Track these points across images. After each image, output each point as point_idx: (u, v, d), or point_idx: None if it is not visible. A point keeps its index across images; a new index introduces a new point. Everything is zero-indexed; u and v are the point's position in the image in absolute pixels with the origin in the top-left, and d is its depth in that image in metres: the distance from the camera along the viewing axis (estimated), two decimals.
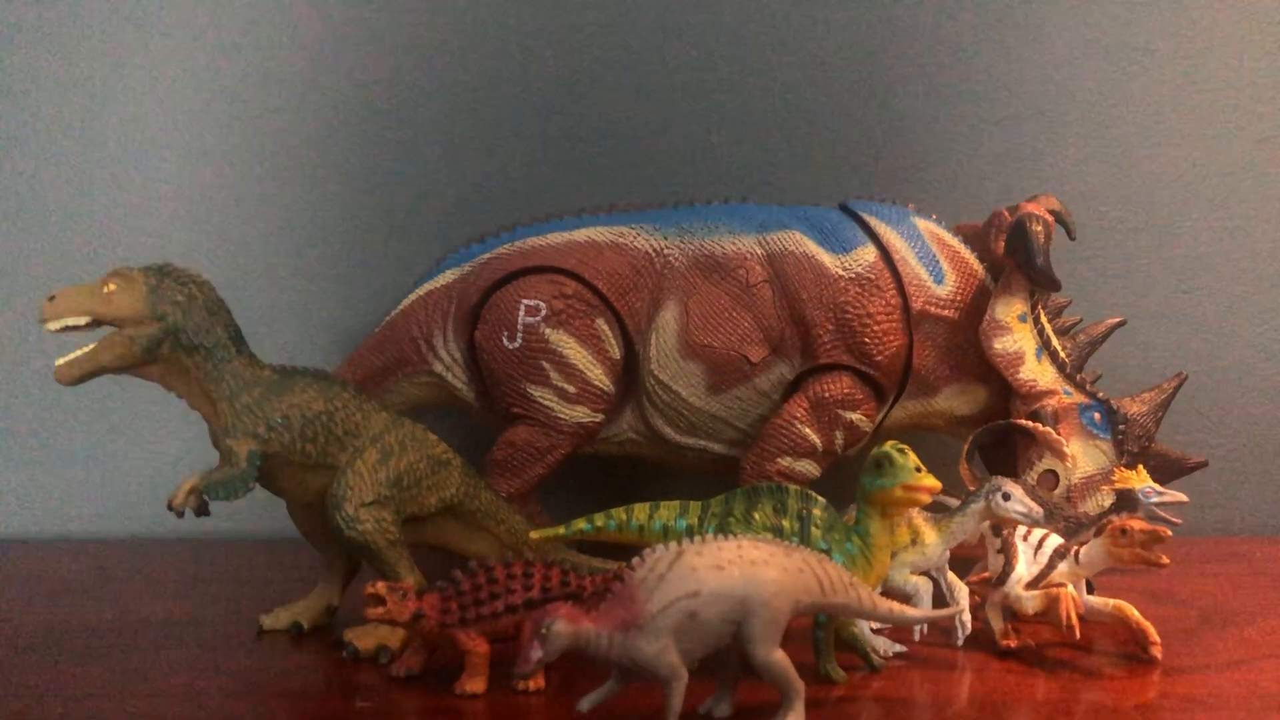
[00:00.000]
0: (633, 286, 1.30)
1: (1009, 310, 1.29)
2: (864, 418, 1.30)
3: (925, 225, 1.34)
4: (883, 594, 1.05)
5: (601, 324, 1.29)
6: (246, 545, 1.49)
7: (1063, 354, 1.32)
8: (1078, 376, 1.31)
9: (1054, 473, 1.30)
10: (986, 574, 1.15)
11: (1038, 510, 1.06)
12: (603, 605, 0.88)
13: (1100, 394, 1.31)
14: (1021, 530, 1.12)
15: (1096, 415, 1.30)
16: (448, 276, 1.34)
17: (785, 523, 1.02)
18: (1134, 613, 1.09)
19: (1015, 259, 1.28)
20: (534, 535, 1.10)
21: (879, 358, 1.29)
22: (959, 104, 1.57)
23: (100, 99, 1.54)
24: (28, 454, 1.56)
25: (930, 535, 1.11)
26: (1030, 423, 1.25)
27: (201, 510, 1.07)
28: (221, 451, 1.09)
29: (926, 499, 1.00)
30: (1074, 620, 1.05)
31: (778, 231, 1.31)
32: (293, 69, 1.55)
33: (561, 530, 1.08)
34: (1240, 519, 1.60)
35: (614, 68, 1.56)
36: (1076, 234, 1.35)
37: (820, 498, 1.04)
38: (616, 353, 1.30)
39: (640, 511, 1.06)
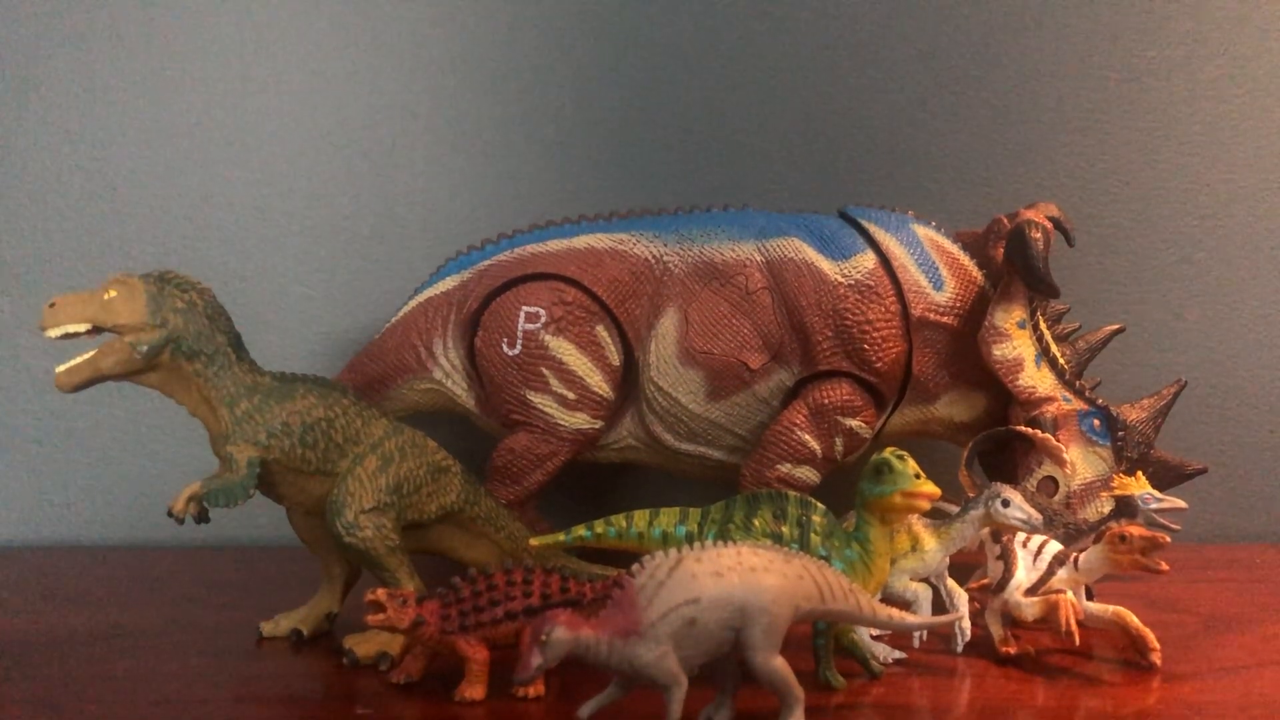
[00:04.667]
0: (632, 293, 1.30)
1: (1008, 317, 1.29)
2: (863, 424, 1.30)
3: (924, 232, 1.34)
4: (882, 600, 1.05)
5: (601, 331, 1.29)
6: (246, 552, 1.49)
7: (1062, 361, 1.32)
8: (1077, 383, 1.31)
9: (1053, 479, 1.30)
10: (986, 580, 1.15)
11: (1037, 517, 1.06)
12: (602, 612, 0.88)
13: (1099, 400, 1.31)
14: (1021, 536, 1.12)
15: (1096, 422, 1.30)
16: (448, 283, 1.34)
17: (785, 529, 1.02)
18: (1133, 619, 1.09)
19: (1014, 266, 1.28)
20: (534, 542, 1.10)
21: (878, 364, 1.29)
22: (959, 111, 1.57)
23: (98, 106, 1.54)
24: (28, 460, 1.56)
25: (930, 542, 1.10)
26: (1030, 429, 1.25)
27: (201, 517, 1.07)
28: (221, 458, 1.09)
29: (925, 505, 1.00)
30: (1073, 626, 1.05)
31: (777, 238, 1.31)
32: (291, 76, 1.55)
33: (561, 537, 1.08)
34: (1240, 525, 1.60)
35: (612, 74, 1.56)
36: (1075, 241, 1.35)
37: (820, 504, 1.04)
38: (616, 359, 1.30)
39: (640, 518, 1.06)
